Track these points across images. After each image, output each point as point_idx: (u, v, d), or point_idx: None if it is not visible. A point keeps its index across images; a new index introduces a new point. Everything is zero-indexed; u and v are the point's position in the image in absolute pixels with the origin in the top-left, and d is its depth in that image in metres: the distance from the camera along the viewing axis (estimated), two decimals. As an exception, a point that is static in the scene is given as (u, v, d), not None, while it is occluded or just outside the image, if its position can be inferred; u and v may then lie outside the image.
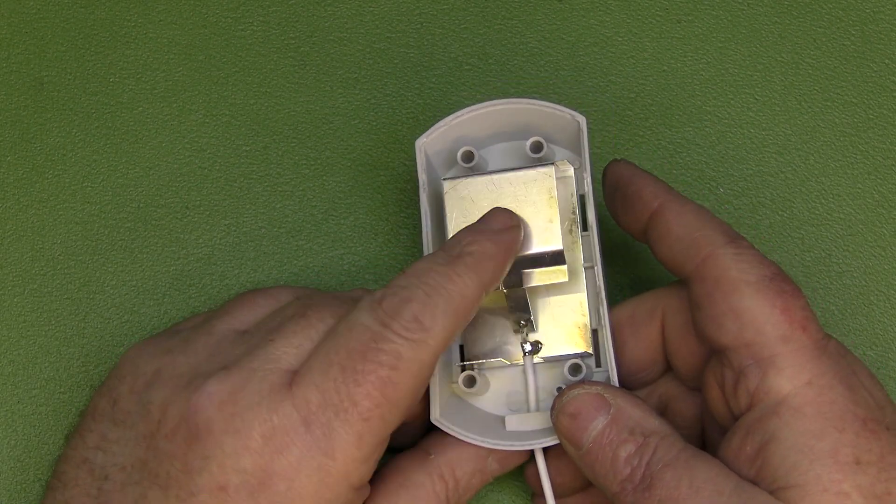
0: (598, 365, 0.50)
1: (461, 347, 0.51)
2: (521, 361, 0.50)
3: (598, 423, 0.46)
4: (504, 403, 0.51)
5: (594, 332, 0.50)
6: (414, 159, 0.50)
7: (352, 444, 0.44)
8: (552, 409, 0.47)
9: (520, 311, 0.49)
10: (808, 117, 0.55)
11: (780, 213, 0.55)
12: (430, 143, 0.50)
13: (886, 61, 0.56)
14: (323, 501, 0.44)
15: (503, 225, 0.47)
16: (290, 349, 0.46)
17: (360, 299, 0.46)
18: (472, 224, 0.48)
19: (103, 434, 0.46)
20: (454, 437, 0.48)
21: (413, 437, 0.51)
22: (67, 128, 0.56)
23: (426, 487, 0.47)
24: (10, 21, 0.57)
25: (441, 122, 0.50)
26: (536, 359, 0.50)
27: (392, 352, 0.44)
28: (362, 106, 0.56)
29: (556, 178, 0.48)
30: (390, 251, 0.55)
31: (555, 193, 0.48)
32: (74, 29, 0.57)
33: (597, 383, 0.47)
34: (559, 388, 0.50)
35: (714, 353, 0.46)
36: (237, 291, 0.55)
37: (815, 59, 0.56)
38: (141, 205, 0.55)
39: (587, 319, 0.50)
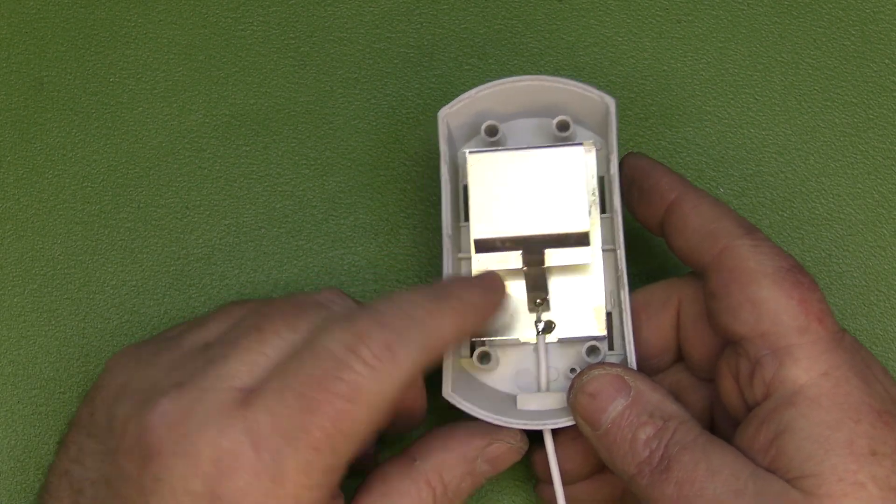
0: (612, 348, 0.50)
1: None
2: (534, 340, 0.50)
3: (618, 405, 0.46)
4: (514, 382, 0.50)
5: (608, 315, 0.50)
6: (436, 130, 0.49)
7: (300, 472, 0.43)
8: (570, 388, 0.47)
9: (537, 290, 0.49)
10: (808, 117, 0.55)
11: (780, 213, 0.55)
12: (453, 116, 0.49)
13: (886, 61, 0.56)
14: None
15: (494, 286, 0.48)
16: (242, 367, 0.45)
17: (320, 307, 0.46)
18: (463, 276, 0.48)
19: (81, 447, 0.47)
20: (440, 441, 0.48)
21: (411, 426, 0.51)
22: (67, 128, 0.56)
23: (412, 495, 0.47)
24: (10, 21, 0.57)
25: (465, 95, 0.49)
26: (549, 338, 0.50)
27: (352, 382, 0.43)
28: (362, 106, 0.56)
29: (585, 154, 0.48)
30: (390, 251, 0.55)
31: (582, 174, 0.48)
32: (74, 29, 0.57)
33: (616, 365, 0.47)
34: (572, 370, 0.50)
35: (729, 344, 0.47)
36: (237, 291, 0.55)
37: (815, 59, 0.56)
38: (141, 205, 0.55)
39: (603, 302, 0.50)
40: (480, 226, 0.48)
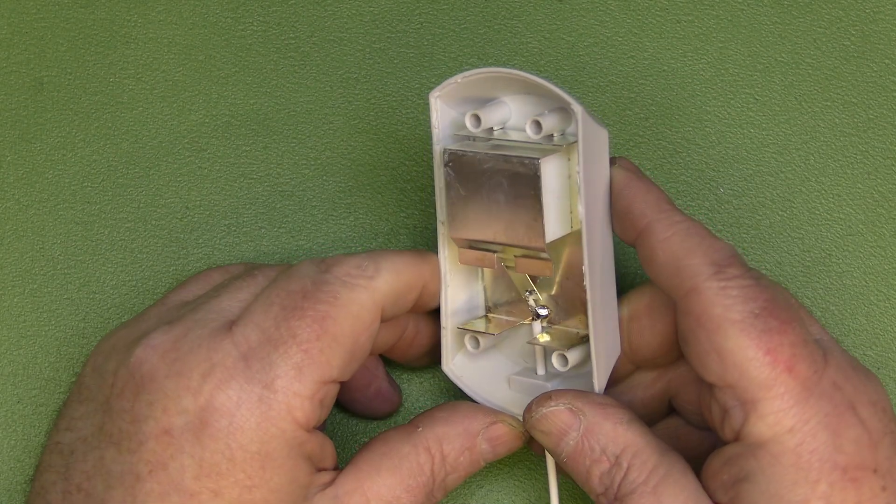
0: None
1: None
2: (530, 321, 0.50)
3: (570, 440, 0.46)
4: (512, 364, 0.51)
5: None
6: (428, 113, 0.48)
7: (291, 377, 0.44)
8: (524, 420, 0.48)
9: (527, 286, 0.49)
10: (808, 117, 0.55)
11: (780, 213, 0.55)
12: (445, 98, 0.48)
13: (886, 61, 0.56)
14: (267, 437, 0.44)
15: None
16: (233, 302, 0.47)
17: None
18: None
19: (71, 415, 0.48)
20: (445, 413, 0.48)
21: (419, 355, 0.52)
22: (67, 128, 0.56)
23: (410, 459, 0.47)
24: (10, 21, 0.57)
25: (453, 78, 0.48)
26: (544, 324, 0.50)
27: (331, 291, 0.45)
28: (362, 106, 0.56)
29: (557, 161, 0.46)
30: (390, 251, 0.55)
31: (540, 191, 0.46)
32: (74, 29, 0.57)
33: (566, 394, 0.47)
34: (563, 356, 0.49)
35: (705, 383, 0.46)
36: (237, 291, 0.55)
37: (815, 59, 0.56)
38: (141, 205, 0.55)
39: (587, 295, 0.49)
40: (455, 224, 0.48)
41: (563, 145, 0.47)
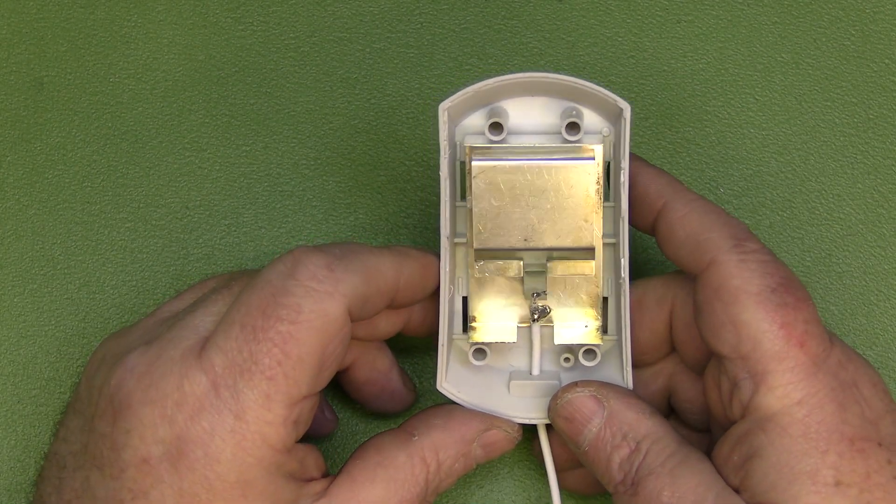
0: (606, 332, 0.49)
1: (464, 303, 0.50)
2: (528, 324, 0.50)
3: (593, 427, 0.46)
4: (508, 368, 0.50)
5: (605, 300, 0.49)
6: (436, 128, 0.47)
7: (260, 406, 0.44)
8: (549, 409, 0.48)
9: (535, 288, 0.49)
10: (808, 117, 0.55)
11: (780, 213, 0.55)
12: (455, 108, 0.47)
13: (886, 61, 0.56)
14: (244, 466, 0.44)
15: (434, 266, 0.48)
16: (207, 317, 0.46)
17: None
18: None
19: (67, 425, 0.47)
20: (441, 420, 0.48)
21: (395, 405, 0.52)
22: (67, 128, 0.56)
23: (405, 469, 0.47)
24: (10, 21, 0.57)
25: (468, 89, 0.47)
26: (544, 323, 0.49)
27: (292, 305, 0.44)
28: (362, 106, 0.56)
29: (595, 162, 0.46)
30: (390, 251, 0.55)
31: (594, 189, 0.46)
32: (74, 29, 0.57)
33: (592, 383, 0.47)
34: (566, 359, 0.50)
35: (714, 357, 0.46)
36: (237, 291, 0.55)
37: (815, 59, 0.56)
38: (141, 205, 0.55)
39: (599, 289, 0.49)
40: (483, 236, 0.47)
41: (581, 145, 0.47)
